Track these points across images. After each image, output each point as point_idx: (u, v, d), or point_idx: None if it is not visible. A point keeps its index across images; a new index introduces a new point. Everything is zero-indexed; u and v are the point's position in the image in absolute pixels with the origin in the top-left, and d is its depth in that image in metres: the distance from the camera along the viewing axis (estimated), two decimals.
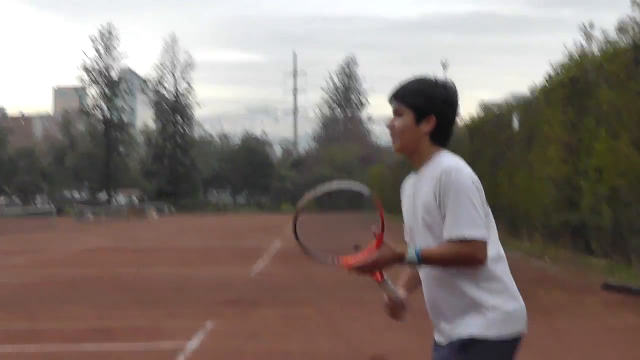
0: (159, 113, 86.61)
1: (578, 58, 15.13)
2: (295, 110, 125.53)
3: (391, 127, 2.89)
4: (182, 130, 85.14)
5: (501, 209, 19.70)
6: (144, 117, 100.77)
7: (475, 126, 22.77)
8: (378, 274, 2.80)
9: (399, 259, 2.70)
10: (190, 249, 21.67)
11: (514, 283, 2.79)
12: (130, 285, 12.22)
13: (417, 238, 2.81)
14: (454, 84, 2.92)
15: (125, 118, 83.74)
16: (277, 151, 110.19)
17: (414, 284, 3.02)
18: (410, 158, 2.90)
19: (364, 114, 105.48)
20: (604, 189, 12.65)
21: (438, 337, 2.85)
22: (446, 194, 2.69)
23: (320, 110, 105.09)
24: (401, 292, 2.97)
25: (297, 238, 2.89)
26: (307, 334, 7.70)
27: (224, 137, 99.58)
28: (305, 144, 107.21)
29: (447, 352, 2.74)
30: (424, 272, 2.85)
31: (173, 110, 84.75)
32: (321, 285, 11.91)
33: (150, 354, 6.72)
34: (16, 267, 16.23)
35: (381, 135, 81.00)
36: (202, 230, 34.21)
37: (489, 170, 20.82)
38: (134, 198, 71.31)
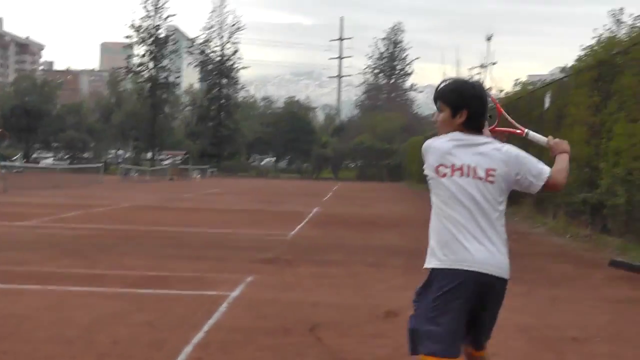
0: (204, 74, 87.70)
1: (606, 42, 15.85)
2: (339, 76, 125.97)
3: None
4: (227, 92, 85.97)
5: None
6: (190, 78, 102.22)
7: (510, 101, 23.55)
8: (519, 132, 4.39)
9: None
10: (232, 210, 22.91)
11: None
12: (178, 241, 13.47)
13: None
14: (481, 82, 4.11)
15: (171, 78, 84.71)
16: (320, 117, 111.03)
17: None
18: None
19: (408, 82, 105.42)
20: (620, 171, 13.51)
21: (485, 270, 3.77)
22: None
23: (364, 77, 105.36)
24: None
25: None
26: (334, 289, 8.84)
27: (268, 100, 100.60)
28: (347, 111, 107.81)
29: (500, 289, 3.90)
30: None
31: (219, 72, 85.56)
32: (351, 249, 13.07)
33: (198, 299, 7.90)
34: (70, 219, 17.61)
35: (423, 104, 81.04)
36: (244, 193, 35.44)
37: (521, 147, 21.69)
38: (178, 158, 72.79)
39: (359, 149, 76.14)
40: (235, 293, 8.32)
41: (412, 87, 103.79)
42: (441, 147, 3.88)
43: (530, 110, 21.34)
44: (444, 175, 3.83)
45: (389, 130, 78.57)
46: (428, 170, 3.93)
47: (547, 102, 19.40)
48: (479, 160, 3.85)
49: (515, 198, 23.21)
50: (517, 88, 24.62)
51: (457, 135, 3.89)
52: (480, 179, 3.83)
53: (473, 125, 3.90)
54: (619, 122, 13.87)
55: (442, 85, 3.98)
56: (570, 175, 15.09)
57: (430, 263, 3.83)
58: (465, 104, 3.86)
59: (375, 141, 75.86)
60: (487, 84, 40.24)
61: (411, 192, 41.00)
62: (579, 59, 17.27)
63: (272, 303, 7.84)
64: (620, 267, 11.58)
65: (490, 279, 3.78)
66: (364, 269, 10.66)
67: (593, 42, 16.60)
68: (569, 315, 7.81)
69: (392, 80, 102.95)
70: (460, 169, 3.83)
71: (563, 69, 19.40)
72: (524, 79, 24.99)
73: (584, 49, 17.03)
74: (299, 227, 17.25)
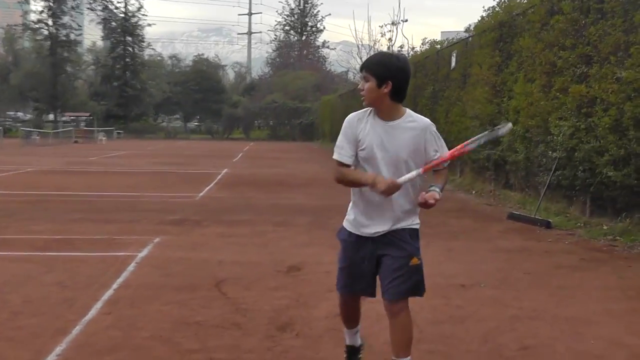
0: (108, 32, 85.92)
1: (506, 4, 16.65)
2: (249, 33, 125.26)
3: (361, 89, 4.44)
4: (131, 51, 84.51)
5: None
6: (93, 36, 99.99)
7: (419, 61, 24.33)
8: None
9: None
10: (140, 173, 23.13)
11: None
12: (85, 205, 13.77)
13: (387, 168, 4.34)
14: (405, 56, 4.70)
15: (72, 36, 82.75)
16: (230, 75, 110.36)
17: None
18: (379, 110, 4.41)
19: (320, 39, 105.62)
20: (519, 128, 14.40)
21: (374, 230, 4.45)
22: (436, 140, 4.38)
23: (275, 34, 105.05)
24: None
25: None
26: (240, 248, 9.41)
27: (176, 59, 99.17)
28: (258, 69, 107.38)
29: (395, 236, 4.46)
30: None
31: (123, 29, 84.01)
32: (259, 209, 13.66)
33: (107, 260, 8.34)
34: None
35: (336, 61, 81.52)
36: (152, 155, 35.47)
37: (429, 105, 22.53)
38: (82, 120, 71.59)
39: (271, 108, 76.26)
40: (143, 253, 8.80)
41: (324, 44, 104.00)
42: None
43: (438, 70, 22.17)
44: None
45: (301, 88, 78.83)
46: None
47: (453, 62, 20.21)
48: None
49: None
50: (426, 47, 25.41)
51: None
52: None
53: (397, 97, 4.36)
54: (518, 82, 14.74)
55: (369, 58, 4.49)
56: (474, 133, 15.98)
57: None
58: (390, 75, 4.29)
59: (287, 100, 76.08)
60: (398, 42, 41.05)
61: (323, 152, 41.70)
62: (482, 20, 18.06)
63: (179, 262, 8.36)
64: (518, 220, 12.51)
65: None
66: (270, 228, 11.26)
67: (495, 3, 17.39)
68: (461, 264, 8.57)
69: (304, 37, 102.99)
70: None
71: (468, 29, 20.20)
72: (437, 36, 25.78)
73: (486, 10, 17.83)
74: (207, 188, 17.71)
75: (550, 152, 12.83)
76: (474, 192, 17.38)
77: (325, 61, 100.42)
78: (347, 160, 4.41)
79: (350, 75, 73.14)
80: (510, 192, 15.91)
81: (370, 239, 4.50)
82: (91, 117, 71.50)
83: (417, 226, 4.62)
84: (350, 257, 4.58)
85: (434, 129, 4.42)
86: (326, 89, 74.64)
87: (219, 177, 21.46)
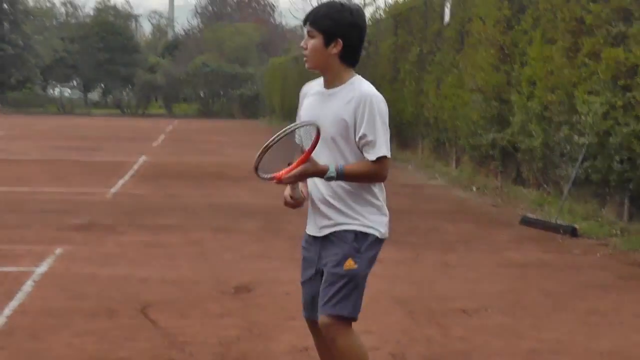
0: None
1: None
2: None
3: (305, 47, 4.63)
4: None
5: (425, 124, 21.82)
6: None
7: (400, 13, 24.53)
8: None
9: (322, 173, 4.46)
10: (27, 161, 23.04)
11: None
12: None
13: (320, 149, 4.49)
14: (360, 8, 4.79)
15: None
16: (146, 29, 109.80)
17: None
18: (323, 75, 4.67)
19: None
20: (535, 105, 14.67)
21: (319, 231, 4.70)
22: (368, 118, 4.48)
23: None
24: (302, 187, 4.75)
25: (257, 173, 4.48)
26: (170, 261, 9.56)
27: (71, 5, 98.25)
28: (184, 21, 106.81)
29: (337, 238, 4.61)
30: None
31: None
32: (192, 210, 13.82)
33: None
34: None
35: (288, 12, 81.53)
36: (42, 137, 35.22)
37: (414, 72, 22.78)
38: None
39: (201, 74, 75.82)
40: (41, 269, 8.92)
41: None
42: None
43: (426, 25, 22.39)
44: None
45: (242, 47, 78.49)
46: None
47: (446, 15, 20.45)
48: None
49: (408, 141, 24.45)
50: None
51: None
52: None
53: (349, 59, 4.60)
54: (534, 44, 15.00)
55: (314, 9, 4.67)
56: (476, 111, 16.24)
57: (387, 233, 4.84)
58: (340, 31, 4.51)
59: (224, 63, 75.79)
60: None
61: (271, 133, 41.69)
62: None
63: (90, 280, 8.50)
64: (533, 226, 12.78)
65: None
66: (207, 235, 11.43)
67: None
68: (460, 283, 8.83)
69: None
70: None
71: None
72: None
73: None
74: (121, 182, 17.78)
75: (576, 137, 13.06)
76: (474, 188, 17.65)
77: (273, 11, 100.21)
78: None
79: None
80: (523, 188, 16.20)
81: (318, 240, 4.76)
82: None
83: (367, 229, 4.67)
84: (305, 266, 4.86)
85: (374, 103, 4.53)
86: (275, 48, 74.53)
87: (136, 167, 21.49)
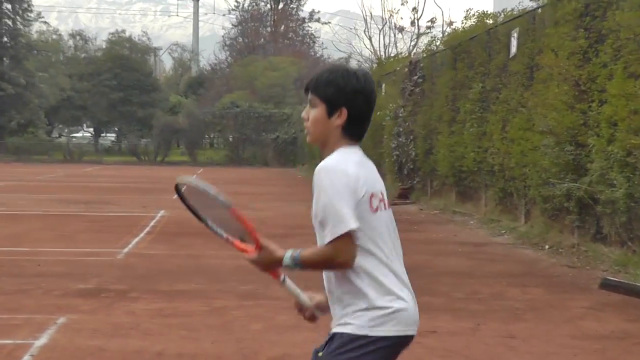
0: None
1: None
2: None
3: (306, 118, 4.62)
4: (11, 26, 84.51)
5: (489, 172, 21.75)
6: None
7: (460, 44, 24.56)
8: (274, 273, 4.59)
9: (278, 262, 4.41)
10: (29, 216, 23.27)
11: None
12: None
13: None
14: (368, 73, 4.73)
15: None
16: (167, 64, 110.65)
17: None
18: (322, 151, 4.64)
19: (306, 7, 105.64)
20: (617, 149, 14.60)
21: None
22: (316, 196, 4.42)
23: (236, 1, 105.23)
24: (310, 296, 4.74)
25: (189, 208, 4.80)
26: (189, 333, 9.59)
27: (81, 37, 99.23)
28: (210, 54, 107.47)
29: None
30: None
31: None
32: (216, 273, 13.87)
33: None
34: None
35: (330, 43, 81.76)
36: (45, 189, 35.49)
37: (476, 112, 22.76)
38: None
39: (229, 115, 76.12)
40: (40, 342, 8.98)
41: (312, 17, 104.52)
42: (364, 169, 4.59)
43: (489, 58, 22.41)
44: (377, 209, 4.53)
45: (277, 85, 78.60)
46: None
47: (513, 46, 20.47)
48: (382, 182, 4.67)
49: (469, 192, 24.39)
50: (471, 22, 25.65)
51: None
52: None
53: (353, 132, 4.55)
54: (615, 78, 14.96)
55: (316, 75, 4.66)
56: (547, 156, 16.25)
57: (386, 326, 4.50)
58: (344, 99, 4.48)
59: (256, 103, 76.01)
60: (427, 14, 41.37)
61: (311, 184, 41.81)
62: None
63: (97, 354, 8.55)
64: (615, 290, 12.69)
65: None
66: (233, 302, 11.46)
67: None
68: (530, 358, 8.76)
69: (281, 6, 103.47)
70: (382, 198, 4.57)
71: None
72: (489, 5, 25.97)
73: None
74: (135, 241, 17.89)
75: None
76: (546, 246, 17.59)
77: (314, 42, 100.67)
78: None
79: (354, 65, 73.42)
80: (604, 246, 16.10)
81: None
82: None
83: (342, 329, 4.51)
84: None
85: (322, 177, 4.41)
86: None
87: (152, 223, 21.62)
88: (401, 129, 30.88)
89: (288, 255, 4.36)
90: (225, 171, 59.52)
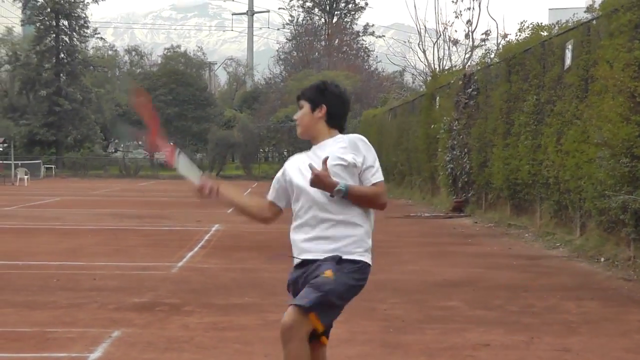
0: (31, 13, 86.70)
1: None
2: (251, 13, 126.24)
3: (296, 118, 6.19)
4: (68, 42, 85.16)
5: (544, 185, 21.64)
6: (7, 20, 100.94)
7: (514, 57, 24.47)
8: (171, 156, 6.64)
9: (333, 186, 5.98)
10: (83, 230, 23.38)
11: None
12: (2, 281, 14.07)
13: (310, 193, 6.16)
14: (343, 87, 6.50)
15: None
16: (221, 78, 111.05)
17: (249, 209, 6.69)
18: (312, 140, 6.31)
19: (361, 21, 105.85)
20: None
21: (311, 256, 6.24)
22: (367, 153, 6.18)
23: (290, 14, 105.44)
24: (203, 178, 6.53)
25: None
26: (244, 347, 9.61)
27: (136, 53, 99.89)
28: (265, 69, 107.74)
29: (329, 264, 6.09)
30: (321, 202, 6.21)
31: (54, 9, 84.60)
32: (271, 287, 13.86)
33: None
34: None
35: (385, 56, 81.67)
36: (101, 203, 35.76)
37: (530, 125, 22.67)
38: None
39: (284, 129, 76.38)
40: (95, 355, 9.05)
41: (367, 30, 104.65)
42: None
43: (543, 70, 22.33)
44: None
45: None
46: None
47: (568, 58, 20.38)
48: None
49: (523, 205, 24.27)
50: (525, 34, 25.59)
51: None
52: None
53: (334, 122, 6.38)
54: None
55: (304, 87, 6.39)
56: (603, 169, 16.18)
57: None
58: (324, 99, 6.29)
59: None
60: (481, 26, 41.33)
61: None
62: None
63: None
64: None
65: None
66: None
67: None
68: None
69: (336, 19, 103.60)
70: None
71: (589, 8, 20.35)
72: (544, 17, 25.87)
73: None
74: (189, 255, 17.98)
75: None
76: (602, 259, 17.48)
77: (368, 56, 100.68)
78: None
79: (408, 78, 73.34)
80: None
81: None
82: (5, 144, 72.01)
83: (354, 256, 6.28)
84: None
85: (365, 140, 6.29)
86: (370, 98, 74.71)
87: (207, 237, 21.69)
88: (455, 142, 30.82)
89: (342, 183, 6.02)
90: None
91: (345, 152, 6.12)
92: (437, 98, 35.55)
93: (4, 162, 65.86)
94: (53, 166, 73.72)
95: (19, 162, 65.31)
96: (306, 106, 6.31)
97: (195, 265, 16.61)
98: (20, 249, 18.75)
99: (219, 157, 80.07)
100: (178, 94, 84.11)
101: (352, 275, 6.09)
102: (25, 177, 59.52)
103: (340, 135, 6.32)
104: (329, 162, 5.99)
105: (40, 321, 10.81)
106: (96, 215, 28.83)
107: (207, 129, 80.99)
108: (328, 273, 5.95)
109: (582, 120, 19.05)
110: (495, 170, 25.62)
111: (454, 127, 30.90)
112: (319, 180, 5.96)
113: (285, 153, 78.50)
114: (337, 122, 6.36)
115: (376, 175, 6.18)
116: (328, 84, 6.36)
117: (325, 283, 5.93)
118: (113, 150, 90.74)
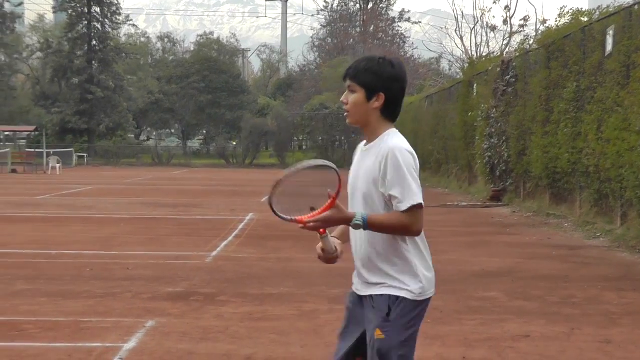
0: (63, 1, 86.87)
1: None
2: None
3: (345, 102, 5.28)
4: (100, 29, 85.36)
5: (584, 174, 21.53)
6: (39, 7, 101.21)
7: (554, 43, 24.35)
8: (323, 230, 5.22)
9: (348, 220, 5.09)
10: (116, 219, 23.50)
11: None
12: (34, 271, 14.15)
13: (353, 204, 5.27)
14: (401, 61, 5.40)
15: (8, 6, 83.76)
16: (255, 65, 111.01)
17: (346, 237, 5.60)
18: (363, 131, 5.36)
19: (396, 7, 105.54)
20: None
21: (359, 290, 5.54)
22: (395, 170, 5.06)
23: (325, 1, 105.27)
24: (336, 242, 5.48)
25: (272, 209, 5.18)
26: (279, 337, 9.62)
27: (169, 40, 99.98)
28: (299, 56, 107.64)
29: (373, 304, 5.34)
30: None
31: None
32: (306, 277, 13.88)
33: (74, 354, 8.61)
34: None
35: (421, 43, 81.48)
36: (134, 192, 35.87)
37: (570, 112, 22.56)
38: (23, 138, 72.37)
39: (319, 117, 76.28)
40: (130, 345, 9.09)
41: (402, 16, 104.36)
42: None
43: (584, 56, 22.22)
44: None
45: None
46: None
47: (609, 44, 20.27)
48: None
49: (563, 194, 24.17)
50: (565, 20, 25.47)
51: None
52: None
53: (390, 113, 5.29)
54: None
55: (354, 63, 5.34)
56: None
57: (429, 292, 5.42)
58: (382, 85, 5.21)
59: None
60: (519, 13, 41.08)
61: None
62: None
63: (186, 358, 8.61)
64: None
65: None
66: (323, 306, 11.48)
67: None
68: None
69: (371, 5, 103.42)
70: None
71: None
72: (584, 2, 25.77)
73: None
74: (223, 244, 18.03)
75: None
76: None
77: (404, 42, 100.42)
78: None
79: (445, 65, 73.11)
80: None
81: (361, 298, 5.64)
82: (37, 133, 72.25)
83: (398, 292, 5.29)
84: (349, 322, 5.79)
85: (398, 155, 5.09)
86: (407, 84, 74.48)
87: (241, 226, 21.75)
88: (493, 130, 30.69)
89: (359, 215, 5.07)
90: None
91: (377, 165, 5.16)
92: (475, 85, 35.42)
93: (36, 150, 66.09)
94: (85, 154, 73.98)
95: (51, 151, 65.55)
96: (360, 93, 5.20)
97: (229, 254, 16.65)
98: (53, 238, 18.86)
99: (253, 146, 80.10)
100: (211, 82, 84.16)
101: (401, 322, 5.24)
102: (57, 165, 59.75)
103: (383, 137, 5.23)
104: (364, 176, 5.23)
105: (75, 311, 10.87)
106: (129, 204, 28.95)
107: (241, 117, 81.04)
108: (378, 333, 5.21)
109: (624, 107, 18.95)
110: (534, 159, 25.53)
111: (492, 115, 30.78)
112: (328, 223, 5.17)
113: (319, 141, 78.34)
114: (395, 112, 5.30)
115: (404, 204, 5.03)
116: (386, 64, 5.22)
117: (383, 348, 5.23)
118: (145, 139, 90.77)
